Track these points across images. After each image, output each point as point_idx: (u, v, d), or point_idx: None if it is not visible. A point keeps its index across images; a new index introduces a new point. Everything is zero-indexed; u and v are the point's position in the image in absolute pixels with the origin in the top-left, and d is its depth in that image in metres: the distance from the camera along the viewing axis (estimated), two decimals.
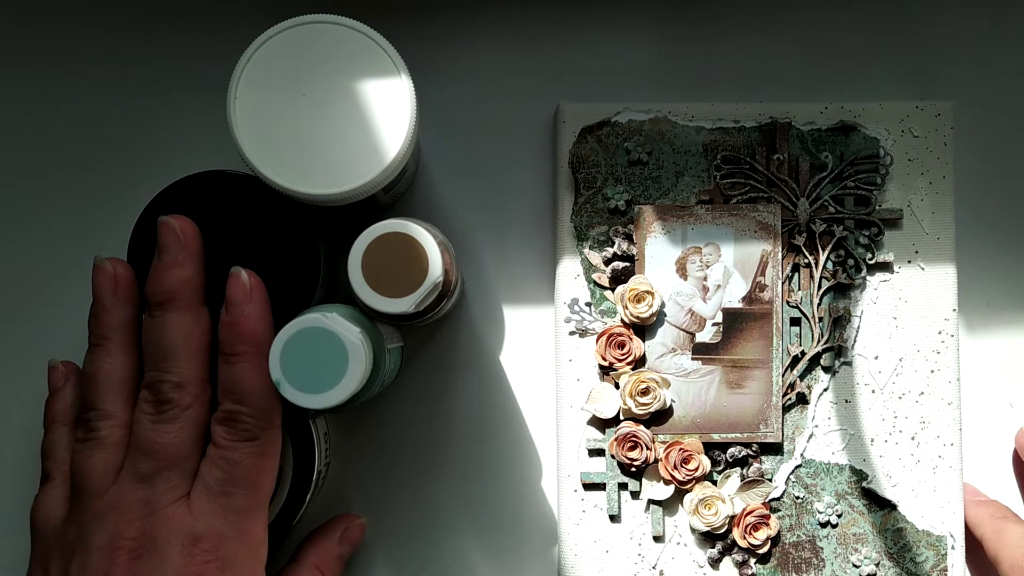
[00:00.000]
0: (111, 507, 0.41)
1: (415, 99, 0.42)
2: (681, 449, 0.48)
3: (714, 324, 0.49)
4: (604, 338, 0.48)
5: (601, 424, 0.49)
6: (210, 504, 0.41)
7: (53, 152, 0.51)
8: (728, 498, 0.48)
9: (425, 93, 0.50)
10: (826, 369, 0.49)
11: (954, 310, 0.49)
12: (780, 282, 0.48)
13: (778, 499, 0.48)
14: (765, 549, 0.48)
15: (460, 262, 0.50)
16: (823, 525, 0.48)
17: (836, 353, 0.49)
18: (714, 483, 0.48)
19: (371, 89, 0.41)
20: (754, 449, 0.48)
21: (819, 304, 0.49)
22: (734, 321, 0.48)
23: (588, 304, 0.49)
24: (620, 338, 0.48)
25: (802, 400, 0.49)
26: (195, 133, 0.50)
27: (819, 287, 0.49)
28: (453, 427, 0.50)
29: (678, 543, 0.48)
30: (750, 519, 0.48)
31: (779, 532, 0.48)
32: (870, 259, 0.49)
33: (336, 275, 0.46)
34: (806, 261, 0.49)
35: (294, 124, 0.41)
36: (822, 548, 0.48)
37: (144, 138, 0.51)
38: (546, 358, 0.50)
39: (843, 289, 0.49)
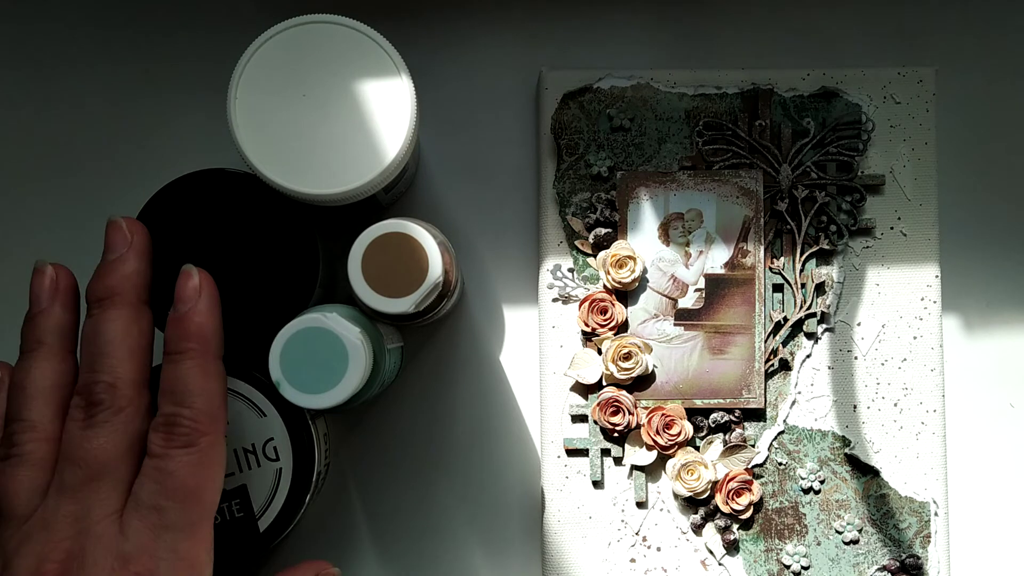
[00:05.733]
0: (38, 527, 0.37)
1: (415, 99, 0.42)
2: (664, 414, 0.48)
3: (696, 290, 0.49)
4: (587, 304, 0.48)
5: (584, 390, 0.49)
6: (142, 521, 0.37)
7: (53, 152, 0.51)
8: (711, 464, 0.48)
9: (425, 93, 0.50)
10: (809, 335, 0.49)
11: (936, 276, 0.49)
12: (762, 248, 0.49)
13: (761, 465, 0.48)
14: (748, 515, 0.48)
15: (460, 262, 0.50)
16: (806, 491, 0.48)
17: (819, 319, 0.49)
18: (697, 449, 0.48)
19: (371, 89, 0.41)
20: (737, 415, 0.48)
21: (801, 270, 0.49)
22: (716, 287, 0.49)
23: (571, 270, 0.49)
24: (603, 304, 0.48)
25: (785, 366, 0.49)
26: (195, 133, 0.50)
27: (801, 253, 0.49)
28: (453, 427, 0.50)
29: (661, 509, 0.48)
30: (733, 485, 0.48)
31: (762, 498, 0.48)
32: (852, 225, 0.49)
33: (335, 275, 0.47)
34: (788, 227, 0.49)
35: (294, 124, 0.41)
36: (805, 514, 0.48)
37: (144, 138, 0.51)
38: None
39: (825, 255, 0.49)
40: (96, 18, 0.51)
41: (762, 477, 0.48)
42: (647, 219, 0.49)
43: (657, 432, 0.48)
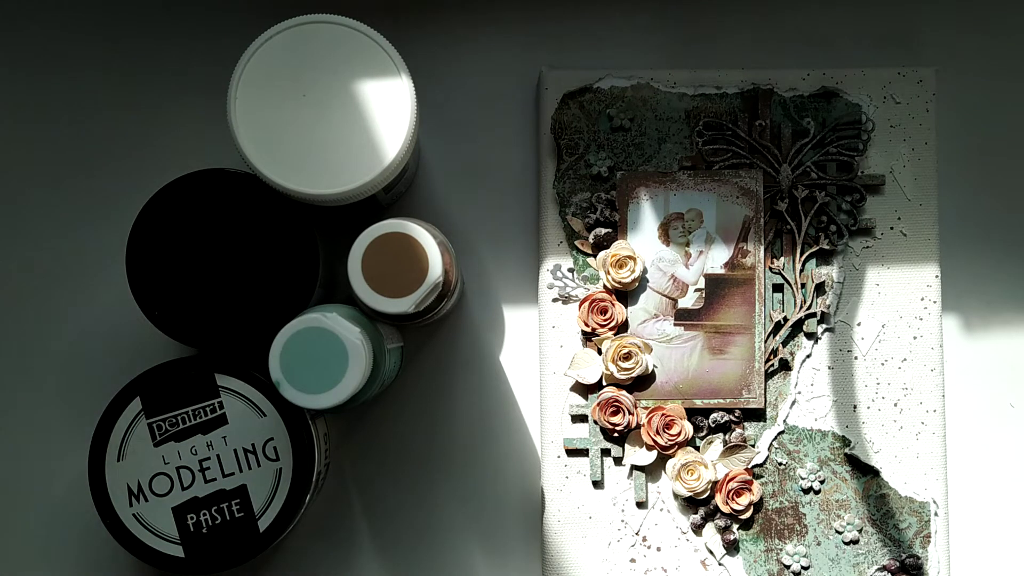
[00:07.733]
0: None
1: (415, 99, 0.42)
2: (664, 414, 0.48)
3: (696, 290, 0.49)
4: (587, 304, 0.48)
5: (584, 390, 0.49)
6: None
7: (53, 153, 0.51)
8: (711, 464, 0.48)
9: (425, 93, 0.50)
10: (809, 335, 0.49)
11: (936, 276, 0.49)
12: (762, 248, 0.49)
13: (761, 465, 0.48)
14: (748, 515, 0.48)
15: (460, 262, 0.50)
16: (806, 491, 0.48)
17: (819, 319, 0.49)
18: (697, 449, 0.48)
19: (371, 89, 0.42)
20: (737, 415, 0.48)
21: (801, 270, 0.49)
22: (716, 287, 0.49)
23: (571, 270, 0.49)
24: (603, 304, 0.48)
25: (785, 366, 0.49)
26: (195, 133, 0.50)
27: (801, 253, 0.49)
28: (453, 427, 0.50)
29: (661, 509, 0.48)
30: (733, 485, 0.48)
31: (762, 498, 0.48)
32: (852, 225, 0.49)
33: (335, 275, 0.47)
34: (788, 227, 0.49)
35: (294, 124, 0.41)
36: (805, 514, 0.48)
37: (145, 138, 0.51)
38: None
39: (825, 255, 0.49)
40: (96, 19, 0.51)
41: (762, 477, 0.48)
42: (647, 219, 0.49)
43: (657, 432, 0.48)
